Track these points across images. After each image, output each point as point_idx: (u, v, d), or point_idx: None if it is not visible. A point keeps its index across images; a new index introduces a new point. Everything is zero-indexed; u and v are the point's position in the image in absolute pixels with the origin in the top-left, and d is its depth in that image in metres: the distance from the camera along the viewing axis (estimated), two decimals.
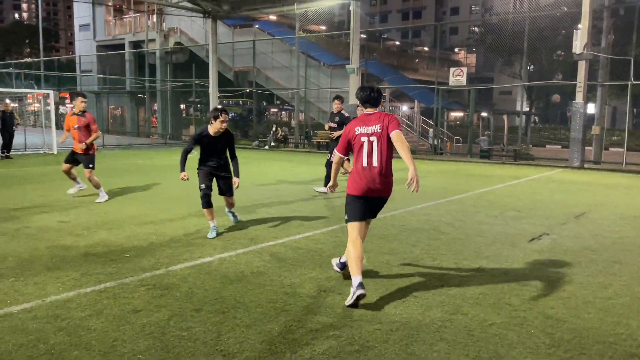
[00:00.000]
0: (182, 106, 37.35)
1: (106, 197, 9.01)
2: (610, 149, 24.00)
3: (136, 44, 35.19)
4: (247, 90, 28.57)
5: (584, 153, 16.21)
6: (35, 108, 34.59)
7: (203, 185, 6.53)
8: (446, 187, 11.34)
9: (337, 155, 4.62)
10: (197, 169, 6.69)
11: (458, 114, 42.13)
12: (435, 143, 22.12)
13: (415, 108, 30.10)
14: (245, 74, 29.41)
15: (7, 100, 26.00)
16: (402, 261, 5.44)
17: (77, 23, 39.36)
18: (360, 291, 4.01)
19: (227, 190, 6.72)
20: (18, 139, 18.98)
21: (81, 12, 38.19)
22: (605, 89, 18.78)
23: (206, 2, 23.02)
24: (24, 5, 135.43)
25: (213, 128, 6.34)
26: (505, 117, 28.18)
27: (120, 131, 34.29)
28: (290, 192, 10.27)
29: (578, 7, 16.14)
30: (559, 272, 5.13)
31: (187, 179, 6.48)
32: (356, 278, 4.12)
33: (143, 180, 11.96)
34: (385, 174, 4.38)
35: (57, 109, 39.17)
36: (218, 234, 6.43)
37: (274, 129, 25.50)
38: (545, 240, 6.52)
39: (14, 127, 16.41)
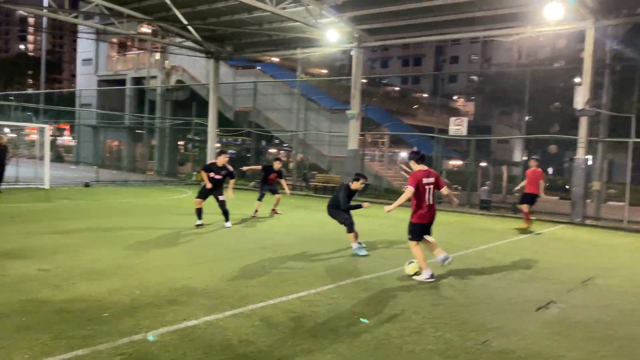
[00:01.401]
0: (181, 143, 37.25)
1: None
2: (608, 202, 23.79)
3: (138, 80, 35.37)
4: (246, 130, 28.50)
5: (585, 209, 15.95)
6: (34, 139, 34.46)
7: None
8: (448, 242, 10.97)
9: (410, 189, 7.13)
10: None
11: (456, 162, 42.24)
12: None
13: None
14: (245, 114, 29.41)
15: (6, 130, 25.82)
16: (402, 331, 5.04)
17: (79, 57, 39.68)
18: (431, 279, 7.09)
19: None
20: (10, 172, 18.66)
21: (84, 47, 38.56)
22: (606, 145, 18.70)
23: (210, 43, 23.18)
24: (30, 37, 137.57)
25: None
26: (504, 167, 28.08)
27: (116, 166, 34.04)
28: (284, 242, 9.89)
29: (575, 62, 16.22)
30: (572, 351, 4.74)
31: None
32: (427, 271, 7.16)
33: (135, 221, 11.58)
34: (435, 208, 7.43)
35: (53, 141, 39.09)
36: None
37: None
38: (553, 309, 6.14)
39: (5, 161, 16.08)
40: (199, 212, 11.07)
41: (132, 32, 25.49)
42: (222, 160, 11.16)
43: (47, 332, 4.51)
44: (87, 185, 19.81)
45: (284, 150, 40.93)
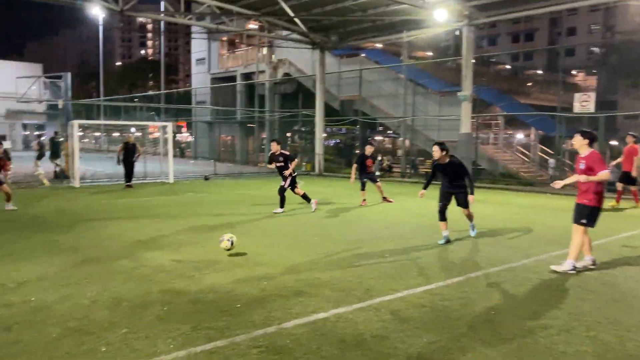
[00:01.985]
0: (288, 134, 38.19)
1: None
2: None
3: (247, 76, 36.68)
4: (353, 119, 28.44)
5: None
6: (157, 137, 37.15)
7: None
8: None
9: (608, 172, 6.36)
10: None
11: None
12: (557, 174, 20.32)
13: (532, 136, 28.20)
14: (350, 103, 29.35)
15: (132, 130, 28.04)
16: (548, 330, 4.59)
17: (193, 57, 42.03)
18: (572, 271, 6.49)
19: None
20: (139, 168, 20.16)
21: (198, 47, 40.74)
22: None
23: (315, 34, 23.31)
24: (149, 43, 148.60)
25: None
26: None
27: (230, 159, 35.70)
28: (402, 232, 9.62)
29: None
30: None
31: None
32: (571, 261, 6.52)
33: (253, 212, 11.93)
34: None
35: (173, 137, 41.83)
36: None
37: (379, 158, 24.98)
38: None
39: (133, 158, 17.34)
40: (305, 196, 12.31)
41: (241, 29, 26.33)
42: (275, 147, 11.99)
43: (186, 323, 4.67)
44: (206, 178, 20.88)
45: (390, 137, 40.39)
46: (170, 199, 14.51)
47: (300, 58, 31.59)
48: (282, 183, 11.96)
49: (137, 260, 7.04)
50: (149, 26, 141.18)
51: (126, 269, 6.59)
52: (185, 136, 47.99)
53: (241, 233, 9.19)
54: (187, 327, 4.55)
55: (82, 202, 13.55)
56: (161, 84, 40.63)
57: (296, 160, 12.28)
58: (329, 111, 27.79)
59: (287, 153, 12.12)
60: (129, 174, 17.37)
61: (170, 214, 11.48)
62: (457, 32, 19.54)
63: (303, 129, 34.99)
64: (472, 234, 8.94)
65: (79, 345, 4.16)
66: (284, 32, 24.47)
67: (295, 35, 24.21)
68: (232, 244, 7.46)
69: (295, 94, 32.78)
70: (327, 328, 4.59)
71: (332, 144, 37.59)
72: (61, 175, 19.07)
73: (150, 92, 53.48)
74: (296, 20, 21.11)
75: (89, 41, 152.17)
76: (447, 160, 8.38)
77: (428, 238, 8.78)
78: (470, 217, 8.85)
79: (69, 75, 20.27)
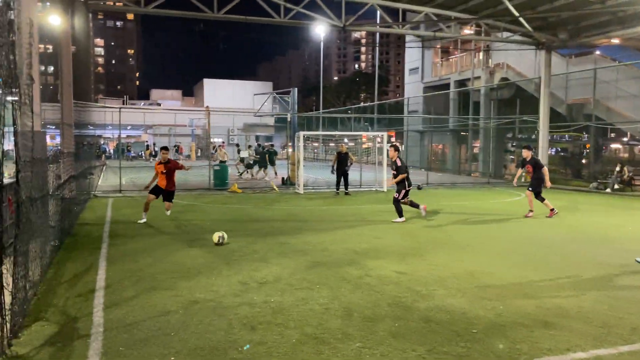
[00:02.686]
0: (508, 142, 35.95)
1: None
2: None
3: (461, 83, 35.61)
4: (583, 124, 25.34)
5: None
6: (368, 146, 38.41)
7: None
8: None
9: None
10: None
11: None
12: None
13: None
14: (580, 107, 26.22)
15: (345, 140, 29.40)
16: None
17: (407, 67, 42.41)
18: None
19: None
20: (355, 176, 20.90)
21: (412, 57, 40.99)
22: None
23: (540, 33, 21.40)
24: (362, 57, 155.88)
25: None
26: None
27: (440, 168, 34.96)
28: None
29: None
30: None
31: None
32: None
33: (472, 224, 11.23)
34: None
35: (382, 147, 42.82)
36: None
37: (617, 168, 21.75)
38: None
39: (346, 167, 17.97)
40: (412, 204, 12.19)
41: (458, 35, 25.58)
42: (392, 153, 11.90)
43: (421, 343, 4.37)
44: (419, 187, 20.61)
45: (630, 144, 35.15)
46: (386, 208, 14.55)
47: (520, 60, 29.44)
48: (395, 195, 11.80)
49: (362, 269, 7.03)
50: (363, 40, 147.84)
51: (352, 276, 6.60)
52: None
53: (461, 247, 8.66)
54: (422, 349, 4.24)
55: (306, 207, 14.44)
56: (375, 94, 41.93)
57: (403, 175, 11.68)
58: (552, 116, 25.25)
59: (400, 163, 11.75)
60: (343, 182, 18.06)
61: (387, 223, 11.45)
62: None
63: (520, 136, 32.50)
64: None
65: (317, 354, 4.16)
66: (504, 34, 22.98)
67: (516, 37, 22.56)
68: (220, 239, 8.38)
69: (513, 100, 30.61)
70: None
71: (552, 153, 34.15)
72: (287, 182, 20.77)
73: (363, 104, 55.69)
74: (521, 19, 19.59)
75: (310, 59, 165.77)
76: None
77: None
78: None
79: (295, 90, 22.02)
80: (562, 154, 34.30)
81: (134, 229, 10.37)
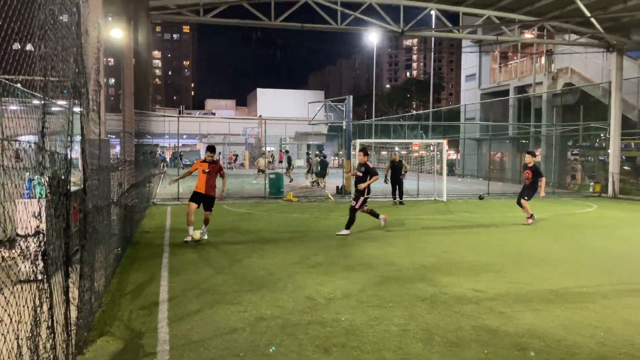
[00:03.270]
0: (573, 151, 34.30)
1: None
2: None
3: (521, 89, 34.29)
4: None
5: None
6: (422, 155, 37.59)
7: None
8: None
9: None
10: None
11: None
12: None
13: None
14: None
15: (396, 148, 28.80)
16: None
17: (463, 74, 41.29)
18: None
19: None
20: (411, 185, 20.30)
21: (468, 63, 39.89)
22: None
23: (611, 35, 20.19)
24: (414, 64, 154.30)
25: None
26: None
27: (499, 177, 33.70)
28: None
29: None
30: None
31: None
32: None
33: (547, 239, 10.49)
34: None
35: (435, 155, 41.81)
36: None
37: None
38: None
39: (400, 176, 17.44)
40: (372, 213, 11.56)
41: (520, 38, 24.57)
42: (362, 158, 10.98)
43: None
44: (480, 197, 19.79)
45: None
46: (447, 219, 13.93)
47: (585, 65, 28.00)
48: (353, 202, 10.88)
49: (435, 285, 6.54)
50: (415, 48, 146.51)
51: (427, 294, 6.13)
52: (448, 153, 47.46)
53: (538, 262, 8.00)
54: None
55: (363, 217, 14.00)
56: (430, 101, 41.02)
57: (376, 177, 10.85)
58: (622, 123, 23.77)
59: (371, 166, 11.00)
60: (398, 191, 17.54)
61: (450, 235, 10.86)
62: None
63: (584, 144, 30.85)
64: None
65: None
66: (573, 37, 21.85)
67: (583, 39, 21.40)
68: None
69: (576, 106, 29.11)
70: None
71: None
72: (342, 191, 20.40)
73: (416, 112, 54.74)
74: (592, 20, 18.50)
75: (360, 68, 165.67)
76: None
77: None
78: None
79: (350, 98, 21.67)
80: (628, 162, 32.32)
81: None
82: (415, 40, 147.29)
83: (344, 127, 20.99)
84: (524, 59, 34.37)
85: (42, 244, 3.43)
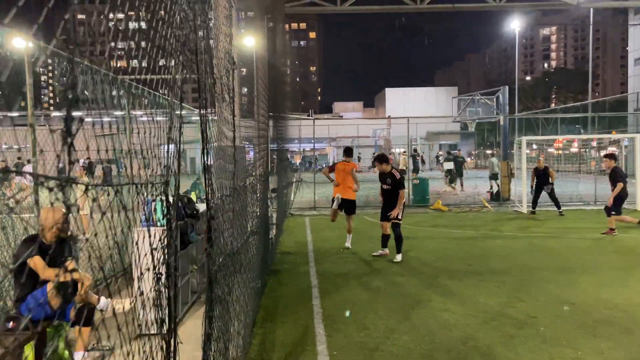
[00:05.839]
0: None
1: None
2: None
3: None
4: None
5: None
6: (580, 152, 32.73)
7: None
8: None
9: None
10: None
11: None
12: None
13: None
14: None
15: (534, 146, 24.75)
16: None
17: (631, 57, 35.37)
18: None
19: None
20: (588, 189, 16.86)
21: (636, 45, 34.04)
22: None
23: None
24: (552, 54, 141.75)
25: None
26: None
27: None
28: None
29: None
30: None
31: None
32: None
33: None
34: None
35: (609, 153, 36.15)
36: None
37: None
38: None
39: (544, 187, 14.19)
40: None
41: None
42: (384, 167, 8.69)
43: None
44: None
45: None
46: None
47: None
48: (396, 218, 8.42)
49: None
50: (553, 37, 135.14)
51: None
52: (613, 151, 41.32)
53: None
54: None
55: (548, 233, 11.16)
56: (588, 91, 35.74)
57: (403, 192, 8.45)
58: None
59: (398, 177, 8.48)
60: (553, 202, 14.32)
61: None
62: None
63: None
64: None
65: None
66: None
67: None
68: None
69: None
70: None
71: None
72: (498, 198, 17.47)
73: (571, 104, 48.81)
74: None
75: (490, 62, 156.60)
76: None
77: None
78: None
79: (506, 89, 18.58)
80: None
81: (342, 263, 8.38)
82: (554, 29, 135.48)
83: (501, 123, 17.99)
84: None
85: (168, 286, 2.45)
